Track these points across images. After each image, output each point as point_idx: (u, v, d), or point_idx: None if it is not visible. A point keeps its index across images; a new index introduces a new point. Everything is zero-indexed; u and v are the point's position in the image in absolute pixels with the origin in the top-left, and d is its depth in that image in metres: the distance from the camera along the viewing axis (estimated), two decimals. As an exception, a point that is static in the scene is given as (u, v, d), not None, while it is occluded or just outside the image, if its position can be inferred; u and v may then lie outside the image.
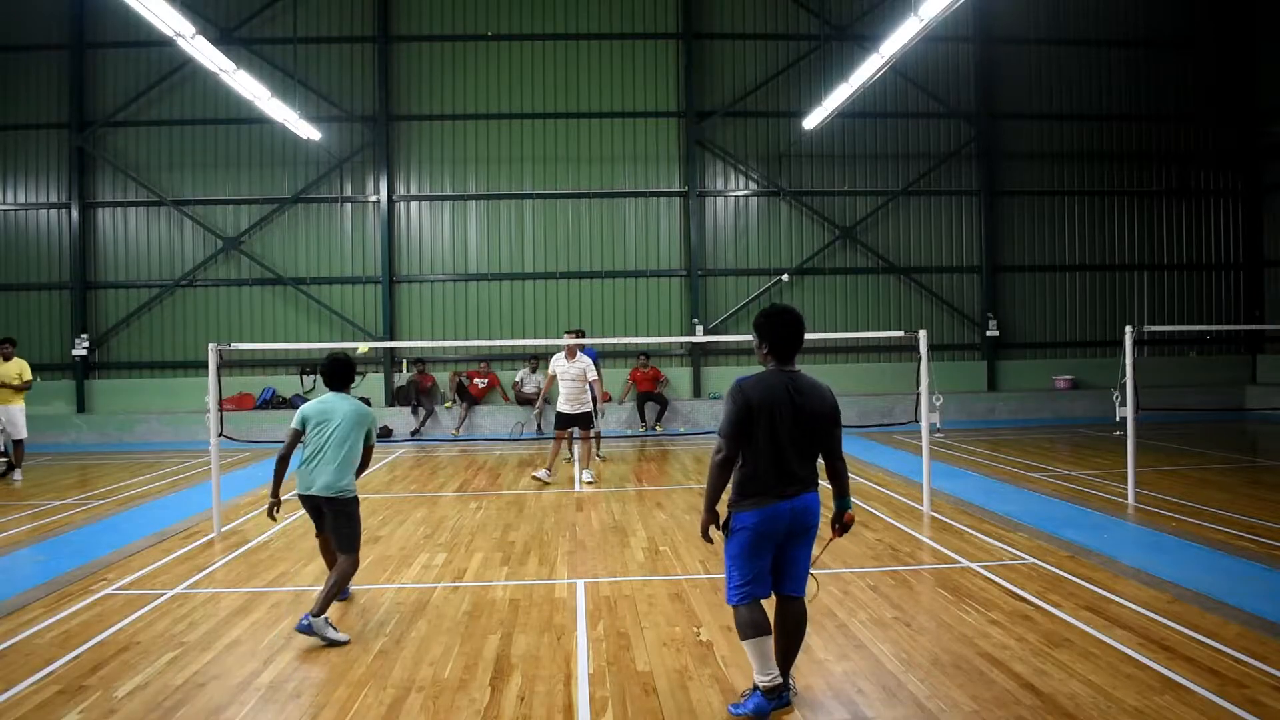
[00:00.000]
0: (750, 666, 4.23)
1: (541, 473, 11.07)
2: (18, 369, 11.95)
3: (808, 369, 4.34)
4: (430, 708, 4.32)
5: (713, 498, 4.20)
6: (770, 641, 4.17)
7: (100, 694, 4.51)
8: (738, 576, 4.16)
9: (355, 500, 5.70)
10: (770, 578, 4.21)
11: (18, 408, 11.84)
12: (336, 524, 5.63)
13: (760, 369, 4.35)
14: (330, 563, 5.94)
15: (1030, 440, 14.54)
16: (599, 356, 14.96)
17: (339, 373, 5.91)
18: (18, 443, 11.82)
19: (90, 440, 16.82)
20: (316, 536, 6.10)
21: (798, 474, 4.14)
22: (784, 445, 4.11)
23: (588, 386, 11.23)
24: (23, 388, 11.90)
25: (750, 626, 4.12)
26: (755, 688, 4.18)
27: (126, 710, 4.31)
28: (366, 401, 17.63)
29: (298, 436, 5.79)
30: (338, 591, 5.50)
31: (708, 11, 18.48)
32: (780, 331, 4.29)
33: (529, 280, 18.30)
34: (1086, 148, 19.12)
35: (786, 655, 4.27)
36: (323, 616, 5.23)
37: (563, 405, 11.27)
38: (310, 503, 5.73)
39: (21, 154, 17.93)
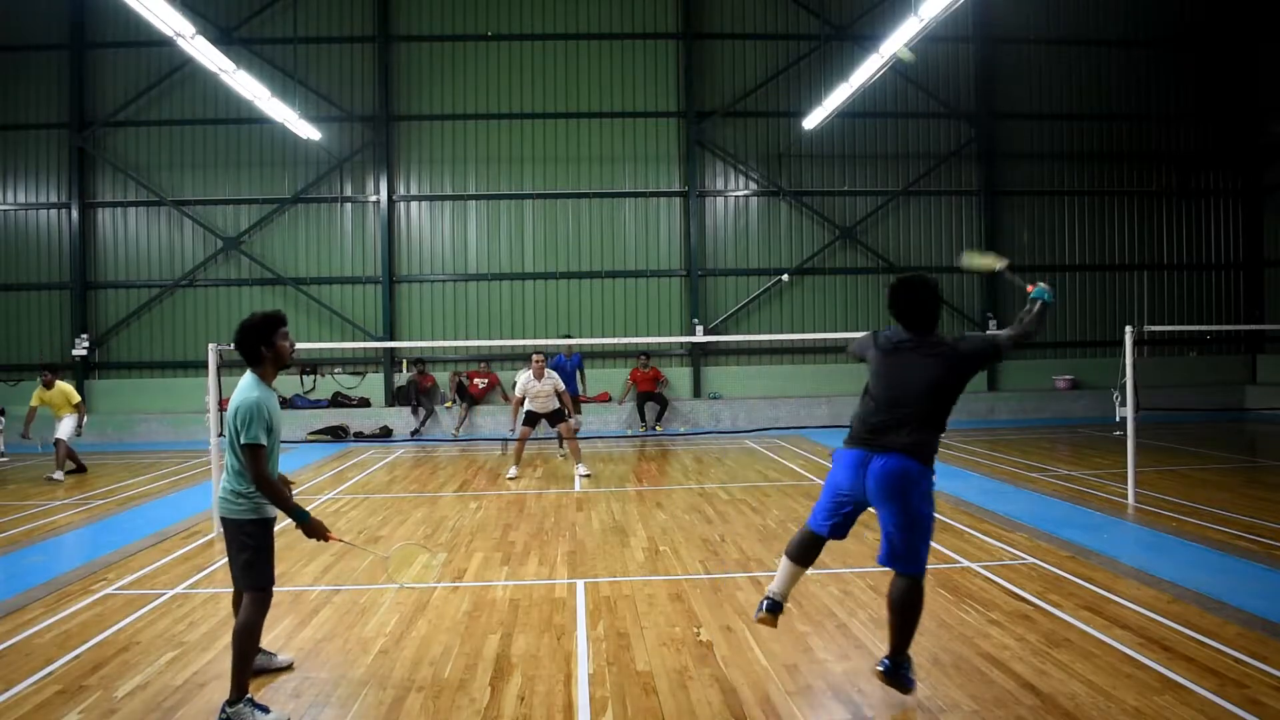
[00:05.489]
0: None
1: (511, 470, 11.54)
2: (63, 395, 12.36)
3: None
4: (430, 708, 4.32)
5: None
6: (797, 572, 4.48)
7: (100, 694, 4.51)
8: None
9: (250, 522, 4.32)
10: (833, 520, 4.35)
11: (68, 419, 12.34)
12: (227, 551, 4.42)
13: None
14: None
15: (1030, 440, 14.54)
16: (582, 360, 15.13)
17: (238, 343, 4.40)
18: (57, 442, 12.14)
19: (90, 440, 16.76)
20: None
21: (885, 430, 4.15)
22: (877, 398, 4.24)
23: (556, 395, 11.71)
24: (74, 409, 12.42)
25: (790, 545, 4.49)
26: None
27: (126, 710, 4.31)
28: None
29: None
30: (250, 653, 4.25)
31: (708, 11, 18.48)
32: (891, 297, 4.41)
33: (529, 280, 18.31)
34: (1086, 148, 19.13)
35: (894, 635, 4.22)
36: (244, 700, 4.13)
37: (530, 405, 11.65)
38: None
39: (21, 154, 17.94)
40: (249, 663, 4.24)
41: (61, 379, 12.72)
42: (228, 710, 4.12)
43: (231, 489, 4.31)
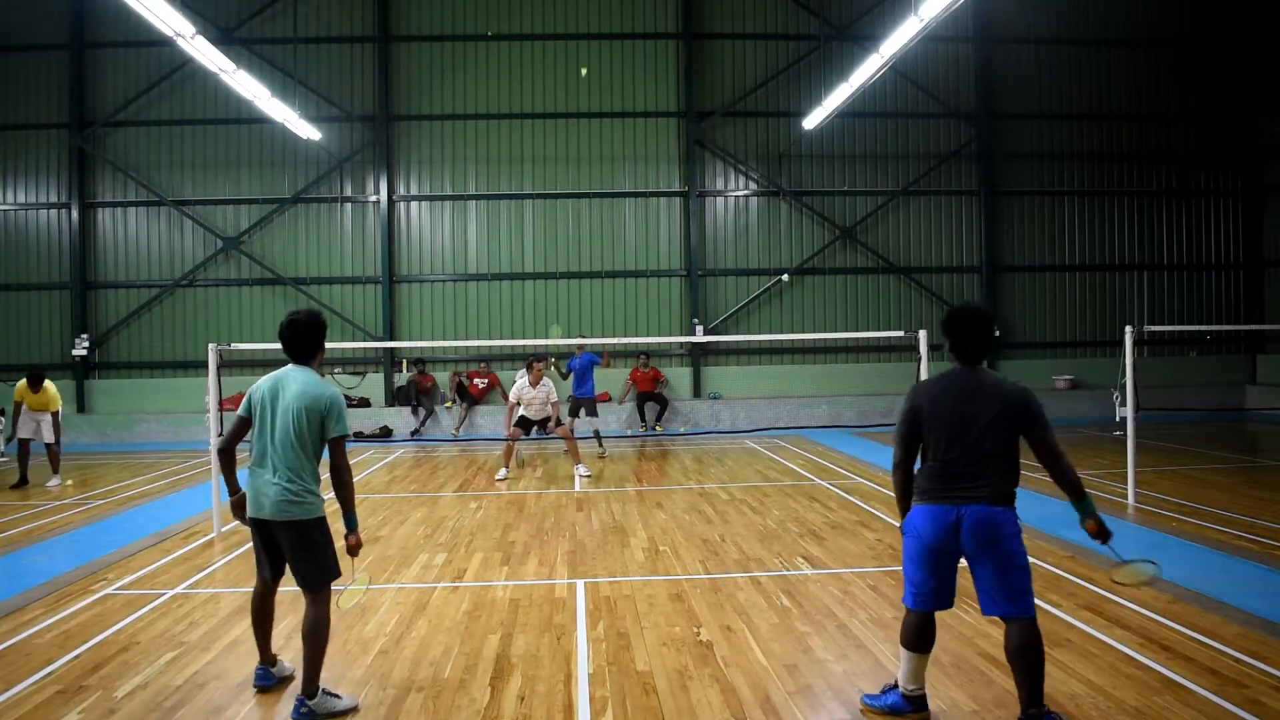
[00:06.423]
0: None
1: (501, 472, 11.52)
2: (50, 397, 11.74)
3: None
4: (430, 708, 4.32)
5: (900, 504, 4.15)
6: (922, 660, 4.08)
7: (100, 694, 4.51)
8: (907, 580, 4.08)
9: (323, 519, 4.31)
10: (936, 587, 4.00)
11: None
12: (295, 555, 4.30)
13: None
14: (259, 623, 4.56)
15: (1030, 440, 14.50)
16: (595, 358, 14.94)
17: (298, 337, 4.42)
18: (49, 445, 11.67)
19: (90, 440, 16.82)
20: (257, 575, 4.54)
21: (968, 478, 3.89)
22: (954, 447, 3.93)
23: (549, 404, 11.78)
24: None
25: (908, 636, 4.06)
26: (896, 685, 4.17)
27: (126, 710, 4.31)
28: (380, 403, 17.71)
29: (244, 426, 4.45)
30: (323, 652, 4.26)
31: (708, 11, 18.48)
32: (956, 329, 4.06)
33: (529, 280, 18.30)
34: (1086, 148, 19.12)
35: (1023, 686, 3.82)
36: (320, 691, 4.21)
37: (523, 411, 11.72)
38: (261, 529, 4.36)
39: (21, 154, 17.94)
40: (323, 657, 4.27)
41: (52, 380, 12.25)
42: (309, 704, 4.16)
43: (303, 487, 4.22)
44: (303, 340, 4.42)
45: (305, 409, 4.23)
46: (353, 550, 4.39)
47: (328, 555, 4.32)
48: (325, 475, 4.34)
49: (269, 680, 4.56)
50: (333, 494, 4.28)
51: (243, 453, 4.35)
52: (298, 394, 4.27)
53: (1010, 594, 3.85)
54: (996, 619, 5.37)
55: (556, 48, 18.34)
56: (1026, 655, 3.80)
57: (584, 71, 16.84)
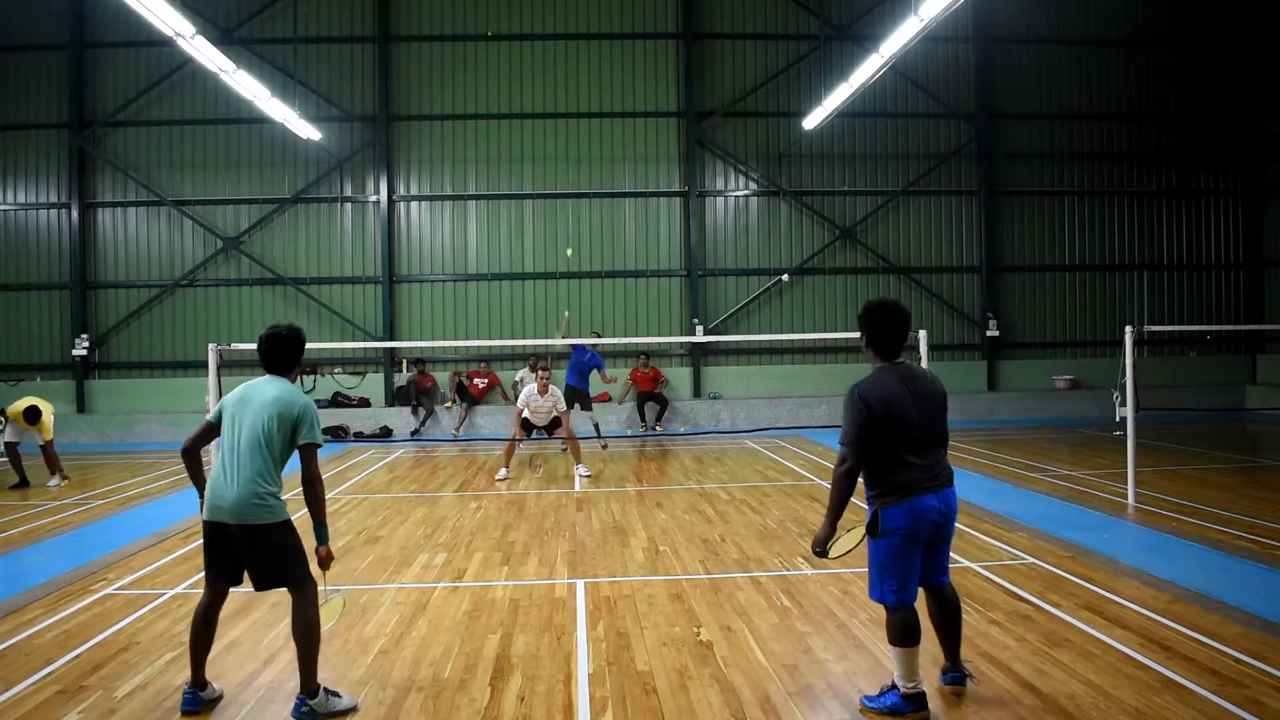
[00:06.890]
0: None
1: (501, 472, 11.47)
2: (42, 426, 11.43)
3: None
4: (430, 708, 4.32)
5: (838, 511, 4.22)
6: (917, 653, 4.12)
7: (100, 694, 4.51)
8: (891, 580, 4.13)
9: (288, 521, 4.29)
10: (918, 580, 4.23)
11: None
12: (265, 561, 4.27)
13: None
14: (199, 639, 4.37)
15: (1030, 440, 14.53)
16: (601, 360, 15.03)
17: (277, 350, 4.47)
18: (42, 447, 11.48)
19: (90, 440, 16.82)
20: (209, 587, 4.40)
21: (940, 465, 4.16)
22: (926, 438, 4.13)
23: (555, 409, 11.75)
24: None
25: (904, 633, 4.10)
26: (894, 686, 4.17)
27: (126, 710, 4.31)
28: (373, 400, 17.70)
29: (211, 431, 4.46)
30: (317, 650, 4.29)
31: (708, 11, 18.48)
32: (881, 324, 4.35)
33: (529, 280, 18.31)
34: (1086, 148, 19.12)
35: (950, 641, 4.35)
36: (321, 690, 4.26)
37: (528, 415, 11.73)
38: (219, 534, 4.26)
39: (21, 154, 17.93)
40: (317, 654, 4.29)
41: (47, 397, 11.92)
42: (310, 703, 4.19)
43: (267, 490, 4.20)
44: (282, 354, 4.49)
45: (279, 414, 4.26)
46: (323, 563, 4.37)
47: (299, 553, 4.32)
48: (297, 490, 4.32)
49: (196, 706, 4.27)
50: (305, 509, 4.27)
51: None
52: (272, 399, 4.30)
53: (947, 564, 4.33)
54: (995, 617, 5.42)
55: (556, 48, 18.34)
56: (958, 613, 4.34)
57: (569, 252, 17.65)
